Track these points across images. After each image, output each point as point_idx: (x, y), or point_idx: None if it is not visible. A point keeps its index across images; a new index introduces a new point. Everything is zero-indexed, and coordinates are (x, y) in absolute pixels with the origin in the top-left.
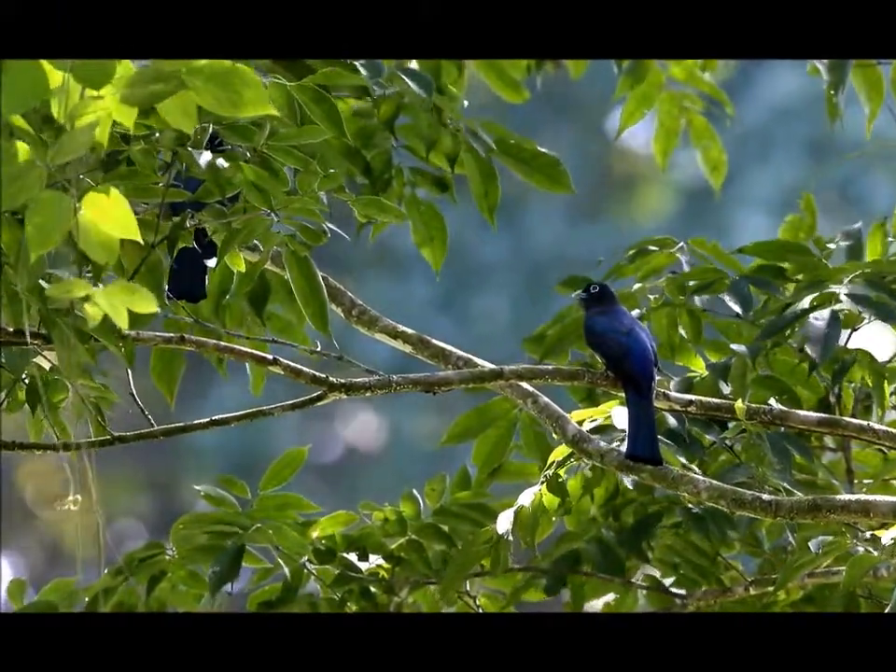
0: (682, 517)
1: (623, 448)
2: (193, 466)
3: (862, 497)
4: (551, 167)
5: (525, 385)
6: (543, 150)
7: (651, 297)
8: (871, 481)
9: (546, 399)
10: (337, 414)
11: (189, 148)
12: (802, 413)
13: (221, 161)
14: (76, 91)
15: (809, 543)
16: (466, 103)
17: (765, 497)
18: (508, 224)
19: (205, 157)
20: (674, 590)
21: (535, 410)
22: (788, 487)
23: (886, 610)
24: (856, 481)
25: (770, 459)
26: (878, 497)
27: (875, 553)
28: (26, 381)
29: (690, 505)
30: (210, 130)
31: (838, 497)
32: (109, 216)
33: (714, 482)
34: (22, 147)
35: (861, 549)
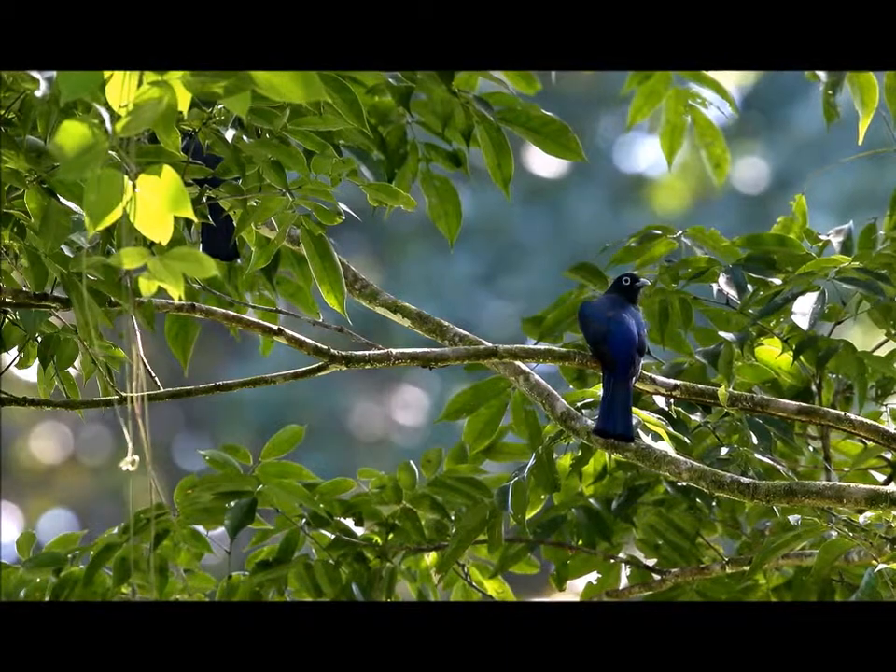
0: (668, 492)
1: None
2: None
3: (837, 483)
4: (561, 135)
5: (519, 363)
6: (551, 116)
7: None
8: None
9: (537, 377)
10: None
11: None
12: (782, 401)
13: (246, 139)
14: (134, 75)
15: (789, 518)
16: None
17: (744, 479)
18: (550, 207)
19: (230, 135)
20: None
21: (526, 387)
22: (772, 463)
23: (852, 598)
24: (834, 469)
25: (752, 442)
26: (852, 485)
27: (851, 535)
28: (39, 339)
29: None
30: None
31: (813, 482)
32: (164, 194)
33: (696, 463)
34: (82, 124)
35: (834, 534)
